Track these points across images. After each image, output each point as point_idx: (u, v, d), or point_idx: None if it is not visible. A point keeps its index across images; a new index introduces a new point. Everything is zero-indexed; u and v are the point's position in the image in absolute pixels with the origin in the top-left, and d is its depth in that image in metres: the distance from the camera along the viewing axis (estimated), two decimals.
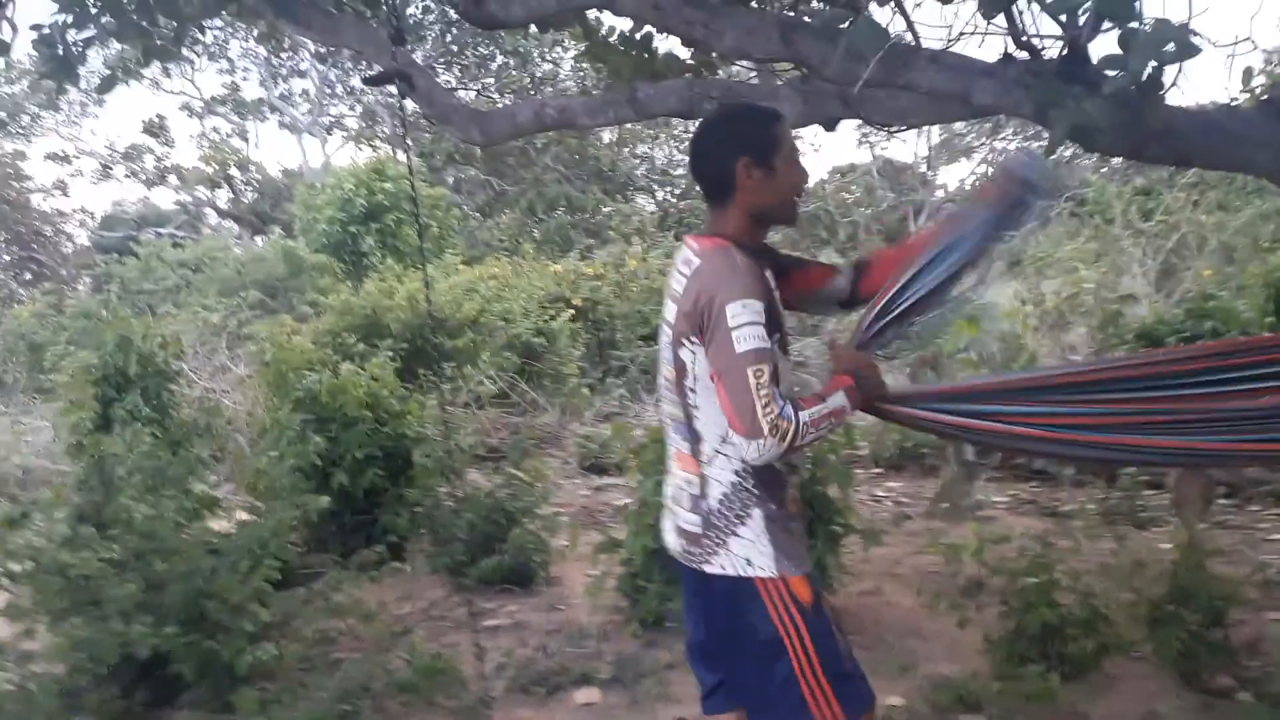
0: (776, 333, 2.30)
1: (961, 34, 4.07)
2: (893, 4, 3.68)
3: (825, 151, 44.90)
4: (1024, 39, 3.69)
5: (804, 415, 2.21)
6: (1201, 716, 3.59)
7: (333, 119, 25.70)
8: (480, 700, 3.91)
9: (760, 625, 2.35)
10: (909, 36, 3.67)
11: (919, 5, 3.56)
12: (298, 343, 7.04)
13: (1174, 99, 3.18)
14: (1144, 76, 3.05)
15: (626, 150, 22.89)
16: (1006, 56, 3.83)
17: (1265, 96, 3.75)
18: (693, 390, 2.34)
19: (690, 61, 5.09)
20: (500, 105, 15.68)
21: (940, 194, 24.36)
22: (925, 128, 23.55)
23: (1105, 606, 3.92)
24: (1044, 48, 3.68)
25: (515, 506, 5.33)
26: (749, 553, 2.33)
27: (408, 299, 9.02)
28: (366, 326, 8.80)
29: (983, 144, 22.62)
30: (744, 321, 2.19)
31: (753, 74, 5.19)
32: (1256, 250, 7.95)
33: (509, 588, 5.18)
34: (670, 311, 2.40)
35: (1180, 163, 4.11)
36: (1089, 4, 2.94)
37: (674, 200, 22.52)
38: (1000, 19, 3.74)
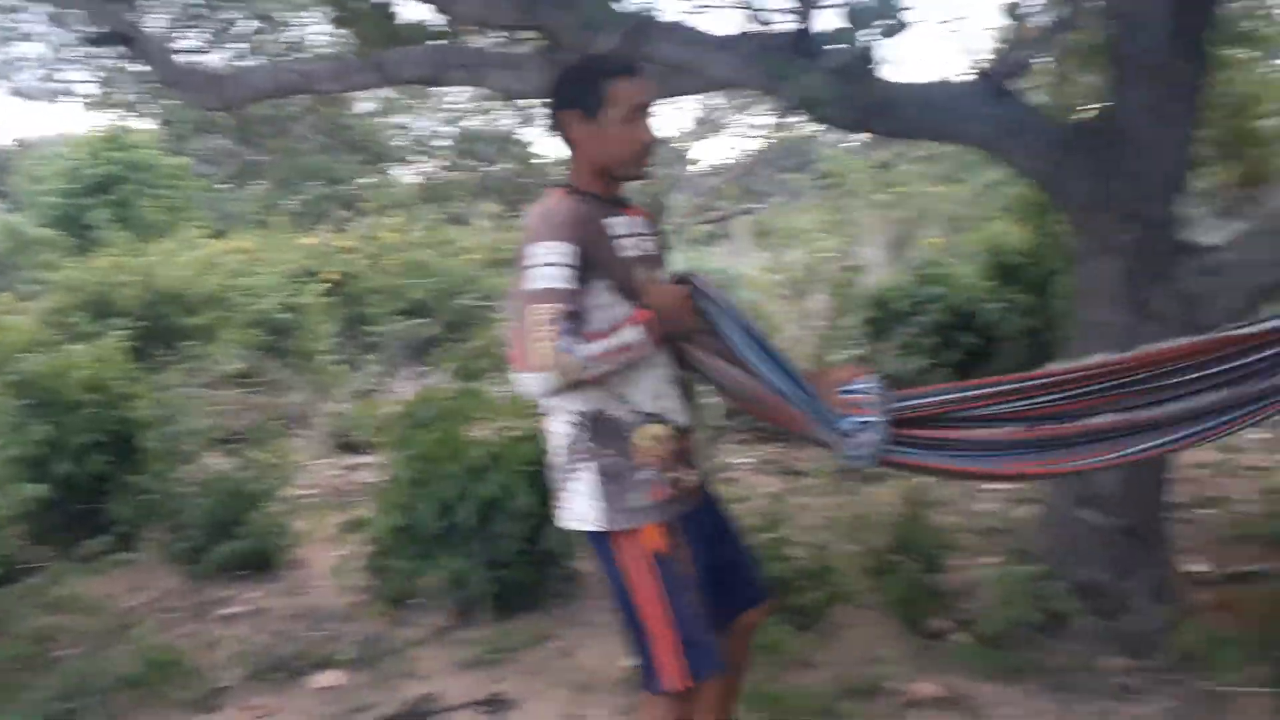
0: (606, 278, 2.31)
1: (699, 8, 4.20)
2: None
3: None
4: (758, 13, 3.82)
5: (587, 348, 2.21)
6: (920, 658, 3.81)
7: (65, 85, 23.83)
8: (212, 690, 3.74)
9: (608, 570, 2.40)
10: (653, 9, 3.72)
11: None
12: (15, 323, 6.52)
13: (914, 77, 3.33)
14: (862, 51, 3.20)
15: (384, 120, 22.28)
16: (743, 31, 3.96)
17: (977, 72, 4.01)
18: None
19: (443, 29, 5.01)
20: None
21: (694, 168, 24.91)
22: (681, 102, 24.05)
23: (833, 559, 4.12)
24: (774, 23, 3.84)
25: (255, 489, 5.11)
26: (581, 507, 2.37)
27: (142, 274, 8.51)
28: (97, 304, 8.26)
29: (736, 119, 23.20)
30: (538, 263, 2.23)
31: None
32: (980, 220, 8.55)
33: (248, 574, 4.96)
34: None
35: (903, 135, 4.34)
36: None
37: (437, 171, 22.11)
38: None
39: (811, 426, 2.39)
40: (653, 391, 2.38)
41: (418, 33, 4.81)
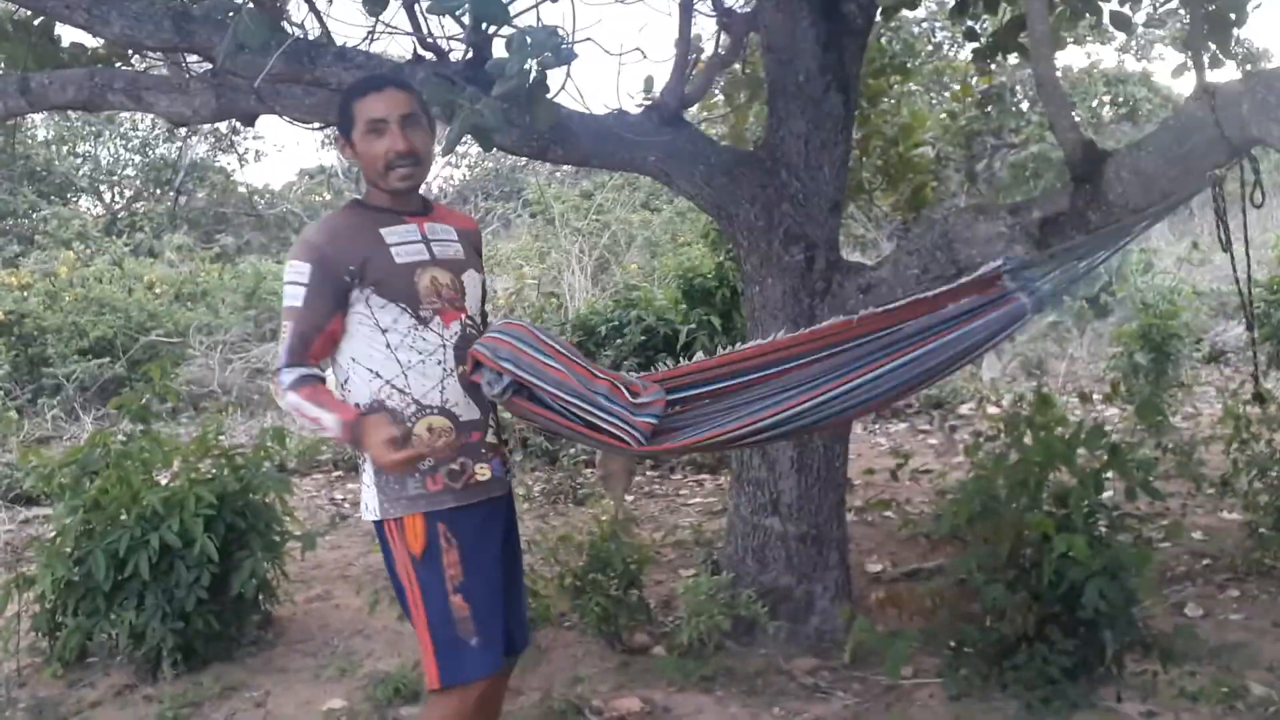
0: (374, 285, 2.43)
1: (371, 33, 4.13)
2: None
3: (294, 153, 43.83)
4: (430, 40, 3.80)
5: (292, 394, 2.36)
6: (622, 673, 3.88)
7: None
8: None
9: (389, 571, 2.50)
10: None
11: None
12: None
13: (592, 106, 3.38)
14: (530, 79, 3.23)
15: (66, 149, 20.74)
16: (416, 57, 3.93)
17: (650, 102, 4.15)
18: None
19: (101, 51, 4.70)
20: None
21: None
22: None
23: (535, 581, 4.14)
24: (451, 49, 3.84)
25: None
26: (366, 496, 2.48)
27: None
28: None
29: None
30: (286, 280, 2.43)
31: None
32: (674, 245, 8.89)
33: None
34: None
35: (581, 163, 4.42)
36: (466, 6, 3.06)
37: (122, 202, 20.78)
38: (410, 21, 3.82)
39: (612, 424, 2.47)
40: (437, 386, 2.45)
41: (78, 55, 4.51)
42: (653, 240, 9.46)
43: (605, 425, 2.47)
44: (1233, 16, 5.28)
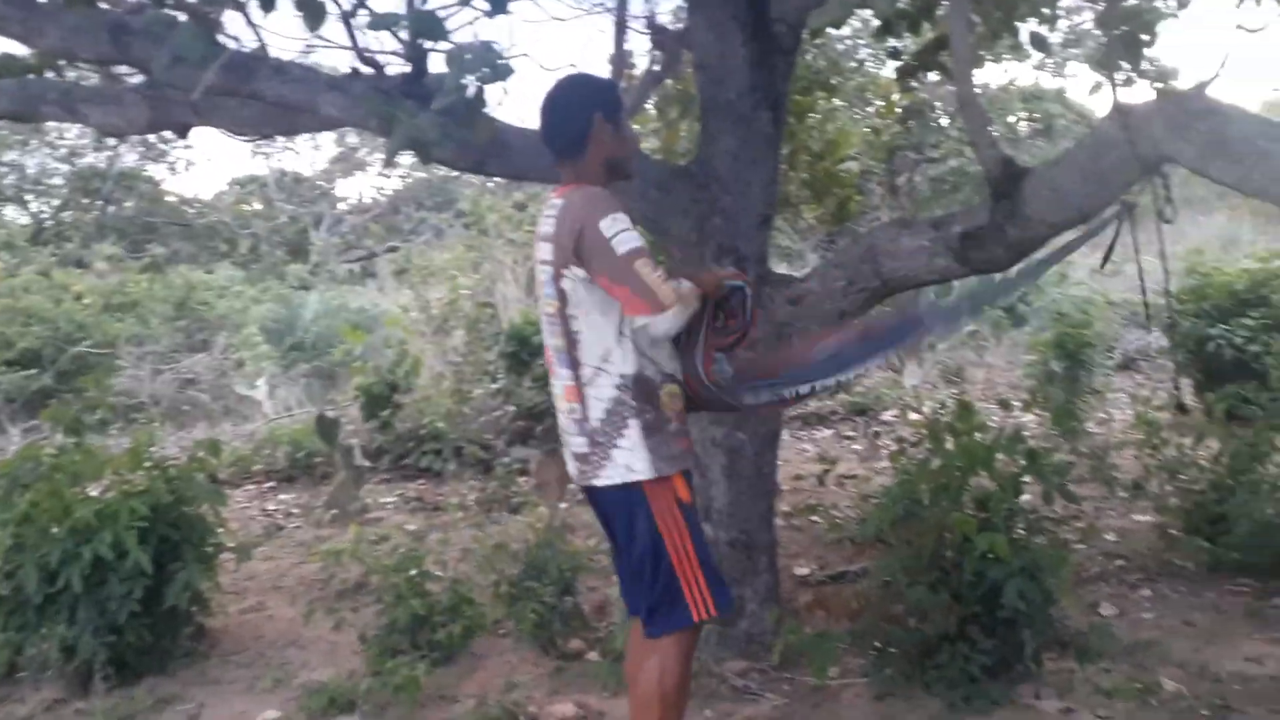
0: None
1: (310, 47, 4.16)
2: (241, 11, 3.64)
3: (223, 162, 43.27)
4: (368, 55, 3.84)
5: (682, 283, 2.60)
6: (556, 679, 3.93)
7: None
8: None
9: (644, 528, 2.66)
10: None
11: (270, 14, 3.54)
12: None
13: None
14: (469, 95, 3.30)
15: None
16: (354, 71, 3.96)
17: None
18: (574, 317, 2.65)
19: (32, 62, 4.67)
20: None
21: (342, 206, 24.43)
22: (319, 140, 23.56)
23: (470, 590, 4.18)
24: (389, 64, 3.88)
25: None
26: (629, 460, 2.63)
27: None
28: None
29: (377, 158, 22.96)
30: (618, 230, 2.56)
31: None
32: None
33: None
34: (545, 251, 2.70)
35: (518, 177, 4.48)
36: (404, 22, 3.12)
37: (50, 211, 20.34)
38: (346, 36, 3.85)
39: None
40: (668, 353, 2.72)
41: (10, 66, 4.47)
42: None
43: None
44: (1144, 37, 5.51)
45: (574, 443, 2.74)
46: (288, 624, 4.60)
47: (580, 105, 2.78)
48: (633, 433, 2.64)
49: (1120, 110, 3.05)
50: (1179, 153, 2.88)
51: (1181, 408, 4.28)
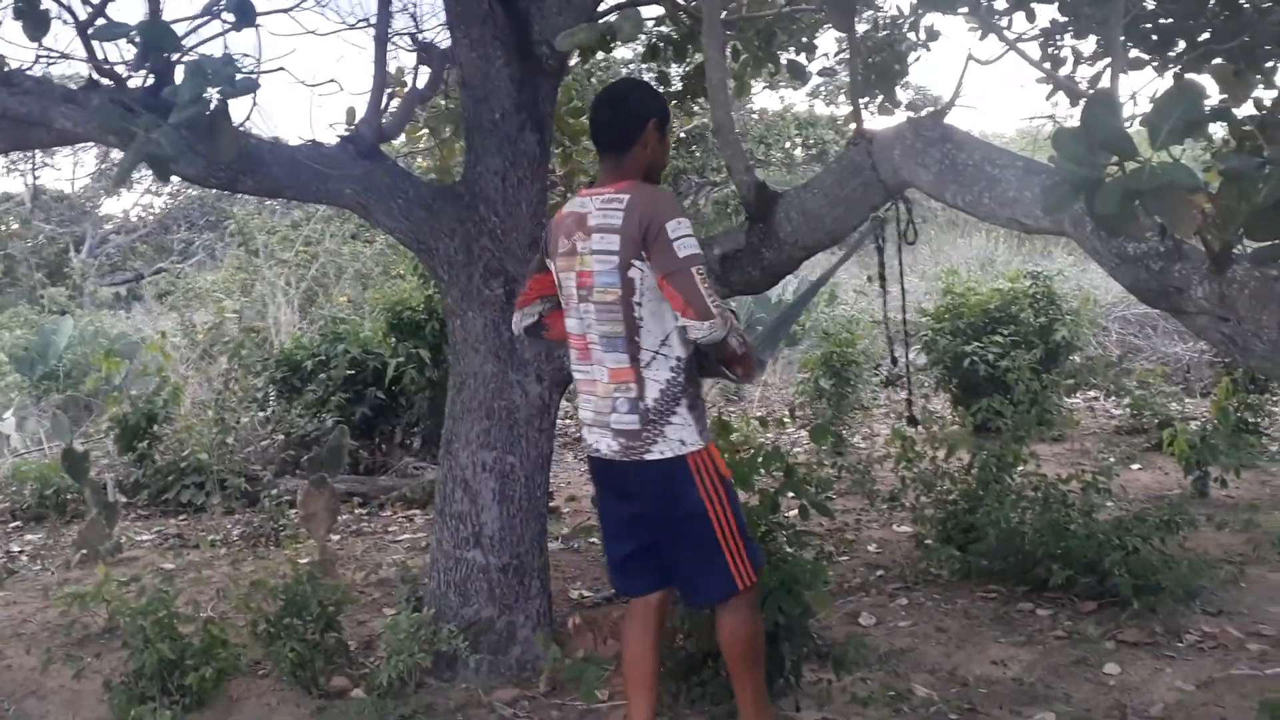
0: None
1: (42, 57, 3.88)
2: None
3: None
4: (107, 66, 3.61)
5: (730, 310, 2.85)
6: (316, 719, 3.77)
7: None
8: None
9: (689, 497, 2.88)
10: None
11: None
12: None
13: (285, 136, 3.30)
14: (210, 108, 3.13)
15: None
16: (91, 83, 3.72)
17: (345, 134, 4.10)
18: (639, 304, 2.84)
19: None
20: None
21: (107, 226, 23.08)
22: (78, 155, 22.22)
23: (226, 631, 3.96)
24: (129, 76, 3.65)
25: None
26: (681, 434, 2.88)
27: None
28: None
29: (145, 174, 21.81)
30: (683, 234, 2.77)
31: None
32: (386, 277, 8.75)
33: None
34: (608, 241, 2.83)
35: (274, 194, 4.31)
36: (134, 33, 2.94)
37: None
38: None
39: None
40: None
41: None
42: (364, 272, 9.29)
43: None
44: (896, 68, 5.80)
45: (621, 420, 2.91)
46: (27, 674, 4.22)
47: (640, 106, 3.00)
48: (684, 410, 2.89)
49: (864, 137, 3.17)
50: (916, 177, 3.00)
51: (914, 420, 4.49)
